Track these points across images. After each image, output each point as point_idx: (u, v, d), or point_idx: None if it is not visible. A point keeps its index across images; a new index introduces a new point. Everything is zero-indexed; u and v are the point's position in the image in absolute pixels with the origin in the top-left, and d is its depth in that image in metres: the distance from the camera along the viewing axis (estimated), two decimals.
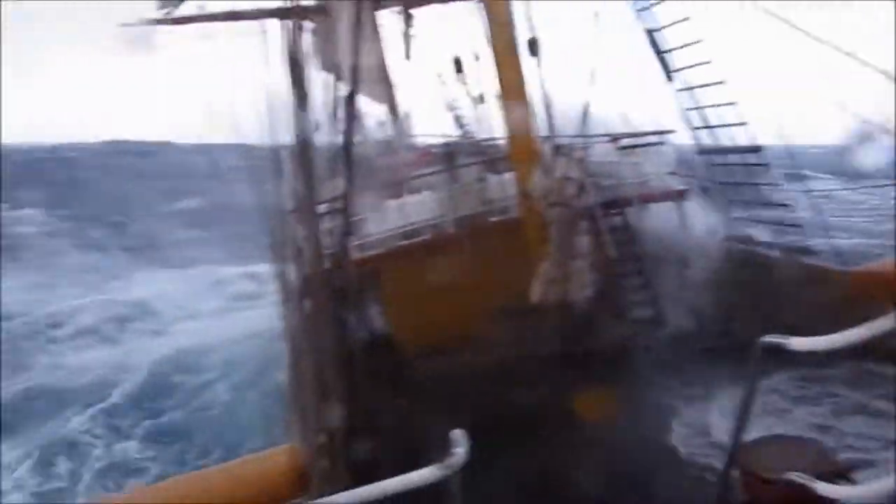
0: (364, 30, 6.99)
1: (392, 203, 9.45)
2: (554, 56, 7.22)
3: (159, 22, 15.89)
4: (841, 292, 6.85)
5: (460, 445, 1.42)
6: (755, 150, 8.46)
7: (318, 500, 1.40)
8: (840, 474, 2.92)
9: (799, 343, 2.50)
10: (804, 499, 2.50)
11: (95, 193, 35.96)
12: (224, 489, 1.14)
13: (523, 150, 7.69)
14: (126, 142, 64.37)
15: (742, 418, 2.94)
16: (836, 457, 3.48)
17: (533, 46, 7.01)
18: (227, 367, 14.11)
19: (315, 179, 4.91)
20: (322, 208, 6.53)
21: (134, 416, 12.64)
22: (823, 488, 2.37)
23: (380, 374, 6.90)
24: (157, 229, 27.14)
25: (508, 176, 9.20)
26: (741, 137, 8.51)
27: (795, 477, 2.60)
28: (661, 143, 9.75)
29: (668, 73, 8.00)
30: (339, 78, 7.58)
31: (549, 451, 5.66)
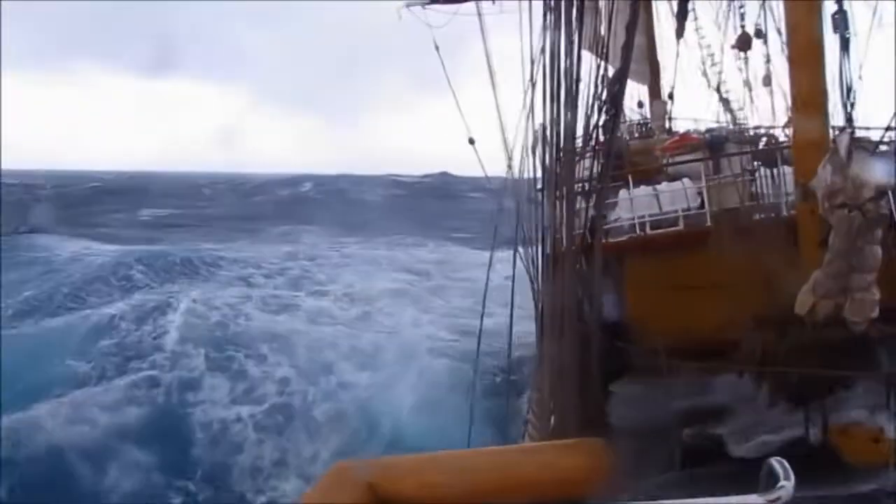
0: (636, 7, 6.63)
1: (645, 189, 8.97)
2: (866, 31, 6.13)
3: (433, 1, 16.83)
4: None
5: (787, 478, 1.19)
6: None
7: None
8: None
9: None
10: None
11: (391, 217, 41.36)
12: (522, 470, 1.13)
13: (809, 140, 6.72)
14: (447, 174, 72.40)
15: None
16: None
17: (839, 20, 6.00)
18: None
19: (573, 159, 4.80)
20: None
21: None
22: None
23: (615, 365, 6.65)
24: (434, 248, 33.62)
25: (784, 170, 8.20)
26: None
27: None
28: None
29: None
30: (602, 57, 7.32)
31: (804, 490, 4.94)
